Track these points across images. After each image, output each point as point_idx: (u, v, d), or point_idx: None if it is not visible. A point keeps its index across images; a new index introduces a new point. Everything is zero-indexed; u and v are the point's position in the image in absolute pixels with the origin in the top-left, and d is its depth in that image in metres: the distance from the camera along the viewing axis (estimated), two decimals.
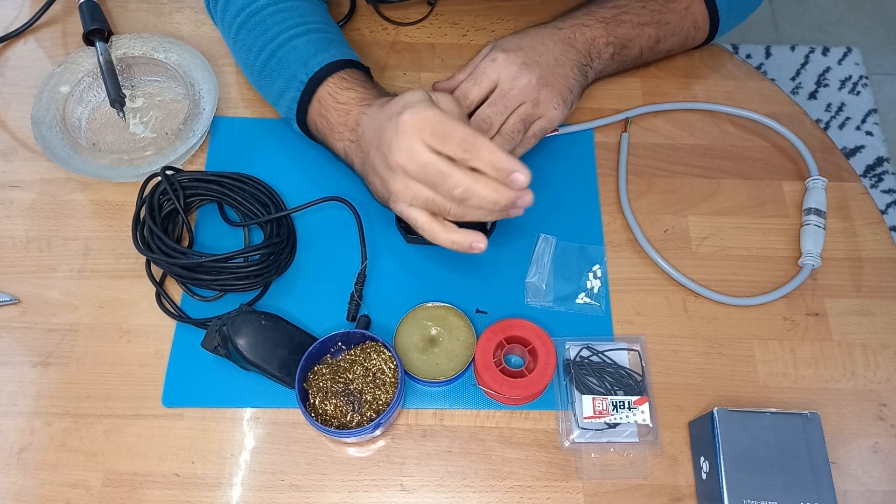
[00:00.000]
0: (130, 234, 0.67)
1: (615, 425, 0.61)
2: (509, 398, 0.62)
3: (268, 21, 0.68)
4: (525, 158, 0.74)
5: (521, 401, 0.63)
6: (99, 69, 0.75)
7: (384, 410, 0.58)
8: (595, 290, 0.68)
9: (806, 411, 0.58)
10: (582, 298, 0.68)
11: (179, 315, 0.66)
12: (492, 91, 0.67)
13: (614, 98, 0.79)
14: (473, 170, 0.54)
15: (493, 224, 0.69)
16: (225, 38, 0.74)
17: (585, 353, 0.64)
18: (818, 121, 1.74)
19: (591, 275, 0.69)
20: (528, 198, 0.55)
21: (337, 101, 0.64)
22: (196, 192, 0.68)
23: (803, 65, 1.83)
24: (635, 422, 0.60)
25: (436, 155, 0.54)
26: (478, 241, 0.57)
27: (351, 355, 0.61)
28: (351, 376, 0.60)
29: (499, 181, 0.54)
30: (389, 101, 0.59)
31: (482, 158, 0.53)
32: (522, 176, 0.53)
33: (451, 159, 0.54)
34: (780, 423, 0.57)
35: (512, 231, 0.71)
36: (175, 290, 0.68)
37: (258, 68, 0.69)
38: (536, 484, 0.61)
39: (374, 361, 0.60)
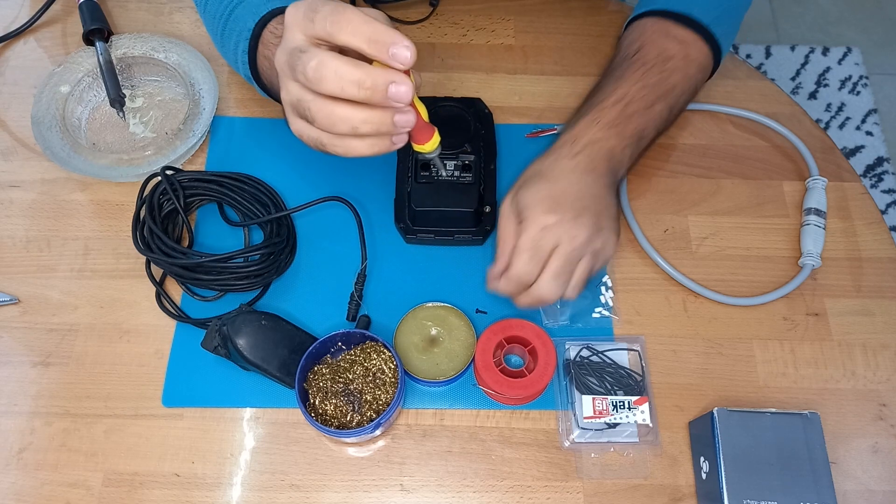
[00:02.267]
0: (130, 234, 0.67)
1: (615, 425, 0.61)
2: (509, 398, 0.62)
3: None
4: (526, 157, 0.74)
5: (521, 401, 0.63)
6: (99, 69, 0.75)
7: (384, 410, 0.58)
8: (610, 303, 0.68)
9: (806, 411, 0.58)
10: (599, 312, 0.68)
11: (179, 315, 0.66)
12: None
13: None
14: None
15: (493, 220, 0.69)
16: (203, 21, 0.73)
17: (585, 353, 0.64)
18: (818, 121, 1.74)
19: (602, 287, 0.69)
20: (403, 88, 0.44)
21: (276, 35, 0.61)
22: (196, 192, 0.68)
23: (803, 65, 1.83)
24: (635, 422, 0.60)
25: (301, 42, 0.47)
26: (397, 137, 0.48)
27: (351, 355, 0.61)
28: (351, 376, 0.60)
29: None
30: None
31: (355, 31, 0.44)
32: (406, 50, 0.43)
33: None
34: (780, 423, 0.57)
35: None
36: (175, 290, 0.68)
37: (219, 33, 0.68)
38: (536, 484, 0.61)
39: (374, 361, 0.60)
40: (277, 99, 0.65)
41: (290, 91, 0.48)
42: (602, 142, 0.63)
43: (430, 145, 0.53)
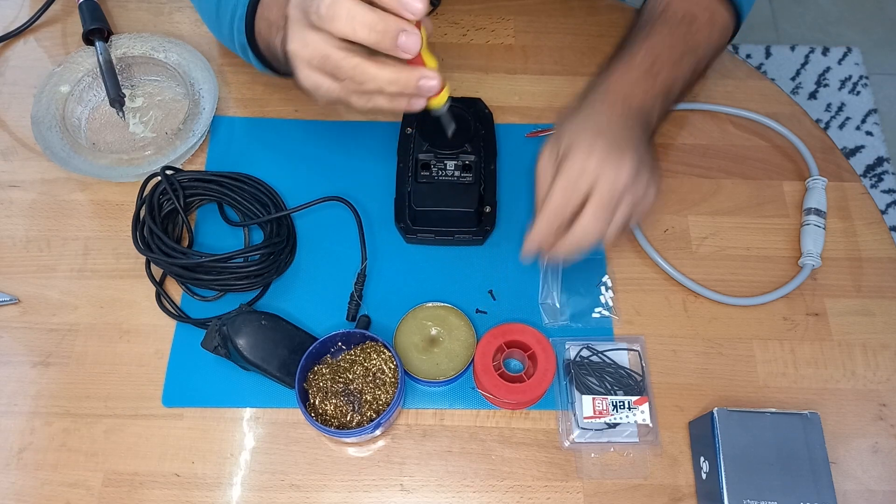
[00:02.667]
0: (130, 234, 0.67)
1: (615, 425, 0.61)
2: (507, 403, 0.62)
3: None
4: (526, 157, 0.74)
5: (520, 406, 0.63)
6: (99, 69, 0.75)
7: (384, 410, 0.58)
8: (610, 303, 0.68)
9: (806, 411, 0.58)
10: (599, 312, 0.68)
11: (179, 315, 0.66)
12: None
13: None
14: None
15: (493, 220, 0.69)
16: (197, 8, 0.74)
17: (585, 352, 0.64)
18: (818, 121, 1.74)
19: (602, 287, 0.69)
20: (413, 38, 0.46)
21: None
22: (196, 192, 0.68)
23: (803, 65, 1.83)
24: (635, 422, 0.60)
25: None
26: (426, 78, 0.49)
27: (351, 355, 0.61)
28: (351, 376, 0.60)
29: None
30: None
31: None
32: (417, 1, 0.45)
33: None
34: (780, 423, 0.57)
35: (511, 229, 0.71)
36: (175, 290, 0.68)
37: (213, 10, 0.69)
38: (536, 484, 0.61)
39: (374, 361, 0.60)
40: (273, 69, 0.65)
41: (310, 43, 0.48)
42: (634, 97, 0.62)
43: (440, 99, 0.53)
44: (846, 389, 0.65)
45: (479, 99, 0.74)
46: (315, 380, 0.60)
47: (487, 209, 0.69)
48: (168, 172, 0.67)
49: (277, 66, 0.67)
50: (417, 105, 0.51)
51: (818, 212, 0.71)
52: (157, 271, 0.68)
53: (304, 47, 0.49)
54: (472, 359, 0.62)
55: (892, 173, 1.70)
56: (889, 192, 1.68)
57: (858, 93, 1.80)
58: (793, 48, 1.85)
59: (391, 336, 0.64)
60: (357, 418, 0.58)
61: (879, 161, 1.71)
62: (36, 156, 0.74)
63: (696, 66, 0.68)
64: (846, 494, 0.61)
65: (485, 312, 0.67)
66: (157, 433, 0.62)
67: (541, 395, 0.62)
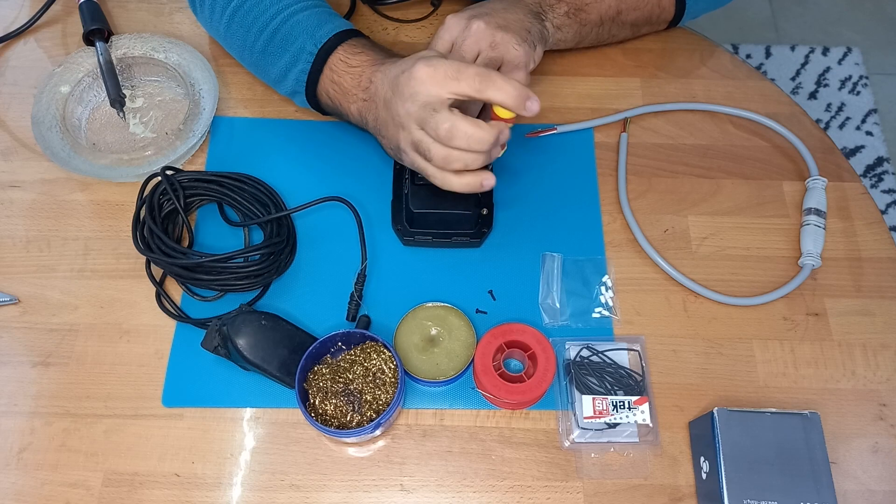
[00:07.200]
0: (130, 234, 0.67)
1: (615, 425, 0.61)
2: (507, 403, 0.62)
3: (265, 2, 0.69)
4: (525, 157, 0.74)
5: (520, 405, 0.63)
6: (99, 69, 0.75)
7: (384, 410, 0.58)
8: (610, 303, 0.68)
9: (806, 411, 0.58)
10: (598, 312, 0.68)
11: (179, 315, 0.66)
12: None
13: (614, 98, 0.79)
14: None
15: (490, 222, 0.69)
16: (213, 26, 0.74)
17: (585, 352, 0.64)
18: (818, 121, 1.74)
19: (602, 287, 0.69)
20: (505, 135, 0.58)
21: (349, 65, 0.65)
22: (196, 192, 0.68)
23: (803, 65, 1.83)
24: (635, 422, 0.60)
25: (438, 98, 0.56)
26: (487, 179, 0.60)
27: (351, 355, 0.61)
28: (351, 376, 0.60)
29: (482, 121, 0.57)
30: (403, 58, 0.61)
31: (500, 88, 0.55)
32: (537, 104, 0.56)
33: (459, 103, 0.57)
34: (780, 423, 0.57)
35: (511, 228, 0.71)
36: (175, 290, 0.68)
37: (259, 48, 0.70)
38: (536, 484, 0.61)
39: (374, 361, 0.60)
40: (325, 112, 0.71)
41: (413, 133, 0.58)
42: None
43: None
44: (846, 389, 0.65)
45: None
46: (315, 380, 0.60)
47: (485, 211, 0.69)
48: (168, 172, 0.67)
49: (338, 118, 0.71)
50: (490, 185, 0.60)
51: (818, 212, 0.71)
52: (157, 271, 0.68)
53: (409, 134, 0.59)
54: (472, 359, 0.62)
55: (892, 173, 1.70)
56: (889, 192, 1.68)
57: (858, 93, 1.80)
58: (793, 48, 1.85)
59: (391, 336, 0.64)
60: (357, 418, 0.58)
61: (879, 161, 1.71)
62: (36, 156, 0.74)
63: (619, 12, 0.75)
64: (846, 494, 0.61)
65: (485, 312, 0.67)
66: (157, 433, 0.62)
67: (541, 395, 0.62)
